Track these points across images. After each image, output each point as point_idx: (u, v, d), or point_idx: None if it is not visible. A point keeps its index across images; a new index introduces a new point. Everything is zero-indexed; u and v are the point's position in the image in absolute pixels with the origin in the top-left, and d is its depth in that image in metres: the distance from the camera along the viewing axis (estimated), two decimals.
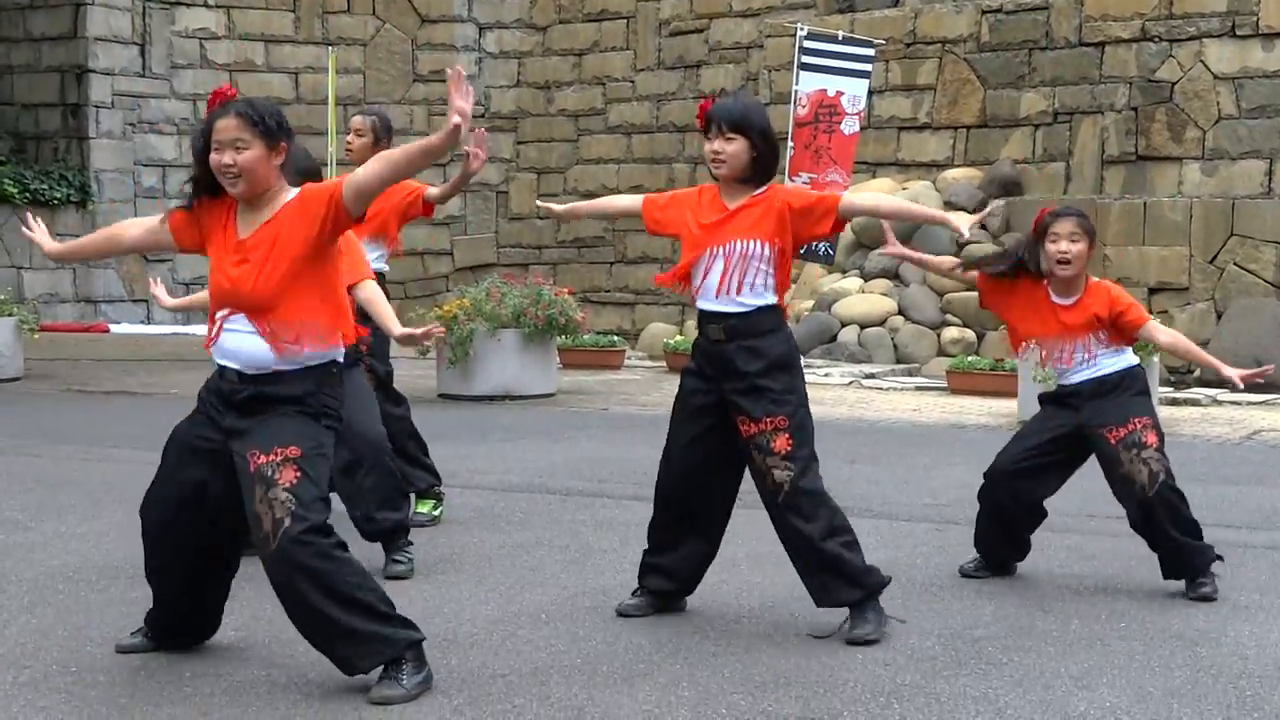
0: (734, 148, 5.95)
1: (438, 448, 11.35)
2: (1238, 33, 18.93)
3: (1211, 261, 18.67)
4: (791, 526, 6.00)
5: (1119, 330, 6.80)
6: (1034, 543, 7.91)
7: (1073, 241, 6.66)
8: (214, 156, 5.12)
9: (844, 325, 19.23)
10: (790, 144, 18.72)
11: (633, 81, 23.93)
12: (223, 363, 5.21)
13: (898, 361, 18.77)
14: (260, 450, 5.04)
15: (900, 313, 19.30)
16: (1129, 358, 6.85)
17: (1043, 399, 7.10)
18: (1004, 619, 6.29)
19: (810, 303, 19.93)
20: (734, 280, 5.95)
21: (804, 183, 18.61)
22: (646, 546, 6.33)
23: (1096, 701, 5.12)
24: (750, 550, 7.53)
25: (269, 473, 5.00)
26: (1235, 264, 18.53)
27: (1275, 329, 17.79)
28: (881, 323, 19.21)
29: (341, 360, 5.31)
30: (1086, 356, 6.77)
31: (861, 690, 5.21)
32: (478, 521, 8.39)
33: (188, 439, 5.33)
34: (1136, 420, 6.71)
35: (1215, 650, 5.82)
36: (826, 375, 17.27)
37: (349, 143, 8.04)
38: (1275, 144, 18.70)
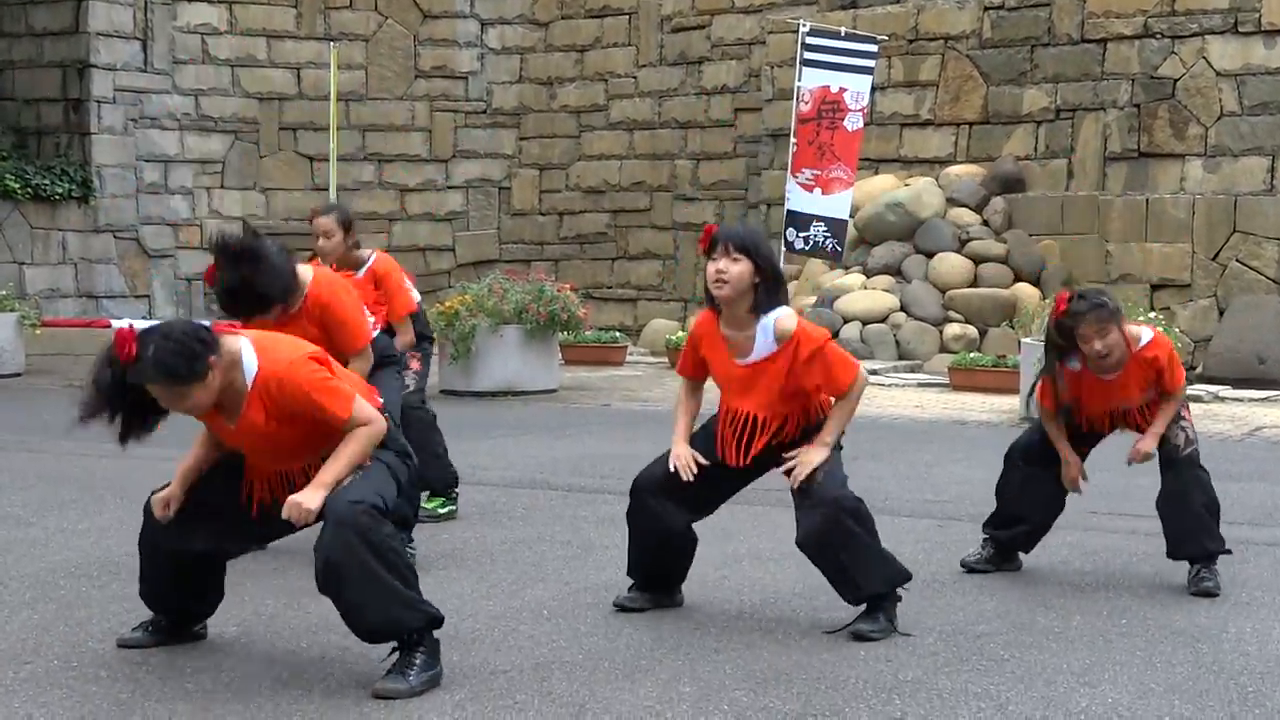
0: (739, 269, 5.87)
1: None
2: (1240, 29, 18.91)
3: (1214, 258, 18.66)
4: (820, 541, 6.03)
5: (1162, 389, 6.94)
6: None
7: (1103, 337, 6.58)
8: (162, 401, 5.01)
9: (846, 322, 19.21)
10: (794, 141, 18.72)
11: (635, 78, 23.91)
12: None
13: (900, 358, 18.76)
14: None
15: (902, 309, 19.29)
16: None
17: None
18: (1006, 615, 6.29)
19: (813, 299, 19.92)
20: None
21: (807, 180, 18.63)
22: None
23: (1098, 698, 5.12)
24: (751, 547, 7.54)
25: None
26: (1237, 261, 18.53)
27: (1277, 326, 17.78)
28: (884, 319, 19.19)
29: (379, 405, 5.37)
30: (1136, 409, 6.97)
31: (863, 686, 5.21)
32: (480, 517, 8.39)
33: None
34: (1154, 409, 6.98)
35: (1217, 647, 5.82)
36: None
37: (319, 246, 7.97)
38: (1278, 141, 18.68)
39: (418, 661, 5.10)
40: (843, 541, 5.88)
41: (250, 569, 6.95)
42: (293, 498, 5.05)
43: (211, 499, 5.38)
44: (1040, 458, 7.03)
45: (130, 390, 4.92)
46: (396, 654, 5.13)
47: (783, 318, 5.95)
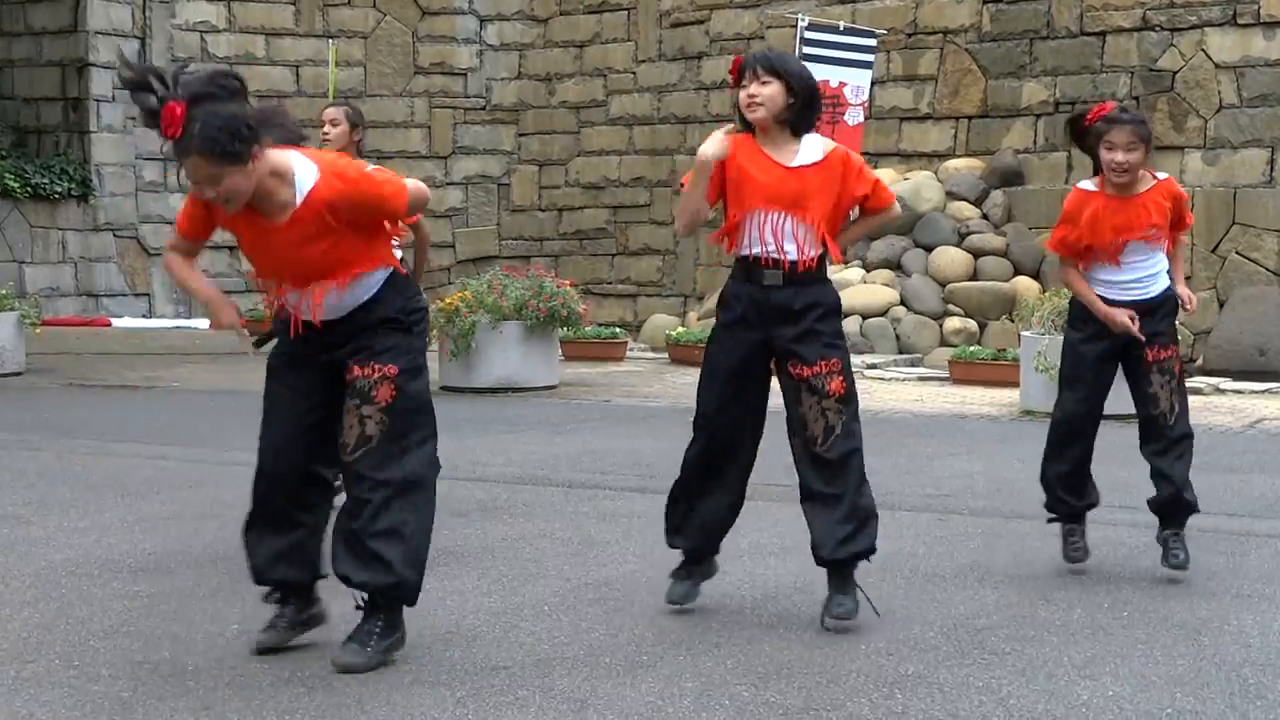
0: (770, 90, 5.81)
1: (441, 439, 11.35)
2: (1239, 21, 18.91)
3: (1214, 250, 18.66)
4: (812, 481, 6.00)
5: (1171, 230, 6.89)
6: (1037, 531, 7.93)
7: (1129, 151, 6.60)
8: (198, 192, 5.04)
9: (846, 315, 19.21)
10: None
11: (634, 73, 23.91)
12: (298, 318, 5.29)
13: (900, 351, 18.77)
14: (358, 364, 5.23)
15: (902, 303, 19.29)
16: (1165, 278, 6.93)
17: (1074, 321, 7.00)
18: (1006, 609, 6.29)
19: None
20: (788, 236, 5.87)
21: None
22: (673, 497, 6.21)
23: (1099, 690, 5.12)
24: (753, 541, 7.54)
25: (364, 388, 5.21)
26: (1237, 253, 18.53)
27: (1277, 317, 17.78)
28: (884, 313, 19.20)
29: (399, 264, 5.43)
30: (1138, 259, 6.81)
31: (864, 681, 5.21)
32: (480, 513, 8.39)
33: (295, 370, 5.39)
34: (1174, 348, 6.97)
35: (1218, 639, 5.82)
36: None
37: (325, 134, 8.10)
38: (1277, 133, 18.68)
39: (378, 629, 5.25)
40: None
41: None
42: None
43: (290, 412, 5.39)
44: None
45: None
46: (362, 613, 5.31)
47: (826, 140, 5.97)
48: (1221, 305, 18.46)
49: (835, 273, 19.93)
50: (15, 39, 22.92)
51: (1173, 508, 6.96)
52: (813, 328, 5.88)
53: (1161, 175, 6.87)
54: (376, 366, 5.21)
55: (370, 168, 5.34)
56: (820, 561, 6.01)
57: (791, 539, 7.66)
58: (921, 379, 16.68)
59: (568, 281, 16.37)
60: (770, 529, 7.90)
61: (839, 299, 6.06)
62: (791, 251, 5.85)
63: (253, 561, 5.51)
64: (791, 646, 5.65)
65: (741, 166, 5.88)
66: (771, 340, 5.91)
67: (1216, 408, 14.22)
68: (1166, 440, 6.95)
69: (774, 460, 10.50)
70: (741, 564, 7.06)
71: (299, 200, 5.12)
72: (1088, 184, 6.85)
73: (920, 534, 7.89)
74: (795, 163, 5.87)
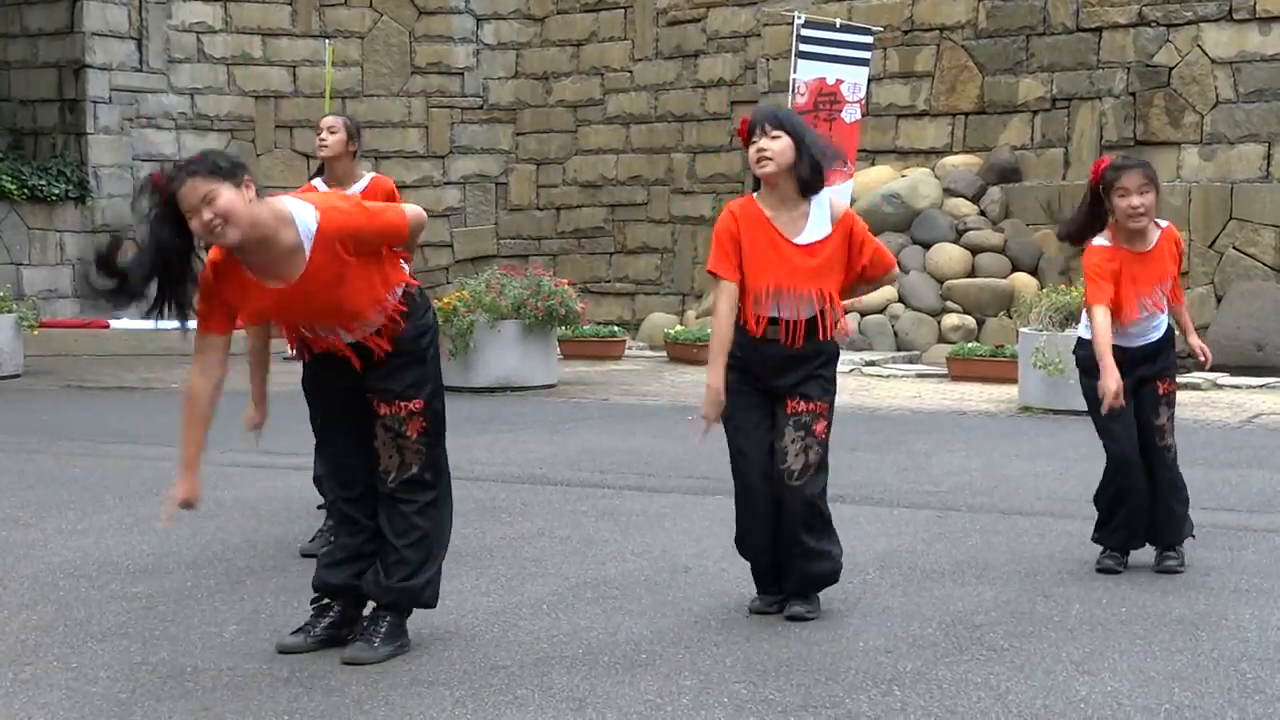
0: (780, 144, 5.83)
1: None
2: (1235, 16, 18.91)
3: (1211, 246, 18.67)
4: (784, 509, 5.98)
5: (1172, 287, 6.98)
6: (1035, 528, 7.94)
7: (1142, 194, 6.67)
8: (193, 223, 4.98)
9: (845, 313, 19.20)
10: None
11: (631, 72, 23.90)
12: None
13: (898, 349, 18.77)
14: (384, 403, 5.41)
15: (900, 300, 19.30)
16: (1166, 319, 7.00)
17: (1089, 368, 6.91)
18: (1005, 605, 6.29)
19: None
20: (797, 307, 5.94)
21: None
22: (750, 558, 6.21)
23: (1098, 686, 5.12)
24: None
25: (396, 425, 5.41)
26: (1235, 248, 18.53)
27: (1275, 312, 17.78)
28: (882, 310, 19.20)
29: (410, 283, 5.52)
30: (1155, 310, 6.86)
31: (863, 678, 5.21)
32: (479, 513, 8.39)
33: (334, 390, 5.52)
34: (1174, 381, 7.06)
35: (1216, 634, 5.82)
36: None
37: (322, 140, 8.04)
38: (1273, 128, 18.68)
39: (383, 629, 5.39)
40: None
41: (250, 567, 6.95)
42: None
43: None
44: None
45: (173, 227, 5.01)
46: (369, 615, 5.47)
47: (835, 197, 6.02)
48: (1219, 301, 18.46)
49: None
50: (11, 41, 22.91)
51: (1176, 536, 7.04)
52: (816, 373, 5.98)
53: (1163, 223, 6.94)
54: (402, 405, 5.40)
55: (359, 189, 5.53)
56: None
57: None
58: (920, 376, 16.69)
59: (566, 280, 16.37)
60: None
61: (838, 348, 6.13)
62: (797, 315, 5.92)
63: (319, 565, 5.66)
64: (790, 644, 5.65)
65: (749, 248, 5.90)
66: (771, 388, 5.98)
67: (1214, 403, 14.22)
68: (1169, 475, 7.01)
69: None
70: (739, 561, 7.05)
71: (306, 241, 5.12)
72: (1102, 240, 6.84)
73: (919, 531, 7.90)
74: (804, 239, 5.91)
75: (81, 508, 8.59)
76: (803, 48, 18.78)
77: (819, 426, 5.94)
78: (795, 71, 18.79)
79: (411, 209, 5.46)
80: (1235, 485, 9.41)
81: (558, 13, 24.64)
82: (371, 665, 5.30)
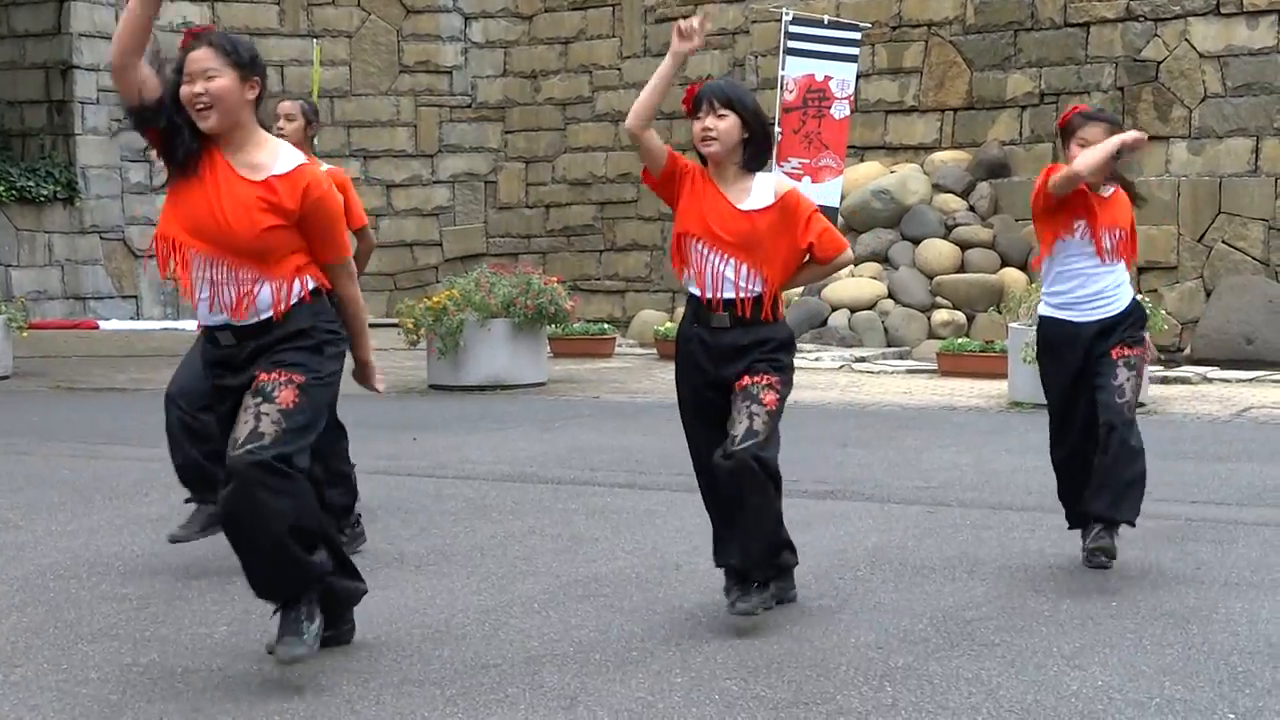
0: (726, 124, 5.77)
1: (430, 438, 11.36)
2: (1222, 10, 18.93)
3: (1200, 240, 18.69)
4: (726, 490, 5.80)
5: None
6: (1025, 523, 7.94)
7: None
8: (184, 89, 4.97)
9: (834, 309, 19.23)
10: (779, 129, 18.71)
11: (619, 69, 23.90)
12: (213, 322, 5.10)
13: (888, 345, 18.78)
14: (264, 371, 5.04)
15: (890, 296, 19.31)
16: (1129, 290, 6.92)
17: (1046, 340, 6.91)
18: (996, 600, 6.29)
19: (800, 287, 19.92)
20: (726, 281, 5.80)
21: (794, 168, 18.62)
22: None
23: (1089, 680, 5.12)
24: None
25: (269, 389, 5.01)
26: (1223, 242, 18.55)
27: (1264, 306, 17.81)
28: (871, 306, 19.22)
29: (325, 287, 5.22)
30: (1107, 269, 6.76)
31: (854, 673, 5.21)
32: (469, 511, 8.39)
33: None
34: (1142, 348, 6.85)
35: (1207, 628, 5.82)
36: (817, 359, 17.27)
37: (280, 128, 7.93)
38: (1262, 122, 18.71)
39: (304, 613, 5.09)
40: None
41: (240, 568, 6.93)
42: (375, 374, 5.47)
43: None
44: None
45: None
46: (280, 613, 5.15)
47: (780, 177, 5.94)
48: (1208, 295, 18.49)
49: None
50: None
51: (1116, 508, 6.77)
52: (766, 355, 5.79)
53: (1115, 187, 6.89)
54: (284, 373, 5.04)
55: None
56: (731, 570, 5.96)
57: None
58: (910, 372, 16.69)
59: (555, 278, 16.35)
60: None
61: (792, 334, 5.98)
62: (730, 294, 5.77)
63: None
64: (781, 640, 5.65)
65: (694, 191, 5.82)
66: (722, 378, 5.81)
67: (1204, 396, 14.24)
68: (1121, 436, 6.67)
69: None
70: None
71: (278, 169, 5.05)
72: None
73: (909, 526, 7.90)
74: (746, 205, 5.80)
75: (71, 509, 8.57)
76: (791, 44, 18.79)
77: (767, 397, 5.73)
78: (784, 68, 18.80)
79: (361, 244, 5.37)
80: (1225, 479, 9.41)
81: (546, 11, 24.64)
82: (359, 666, 5.28)
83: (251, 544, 5.03)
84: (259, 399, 4.99)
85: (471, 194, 25.11)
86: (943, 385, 15.34)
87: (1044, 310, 6.97)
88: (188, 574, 6.81)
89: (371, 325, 13.25)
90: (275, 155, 5.10)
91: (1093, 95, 19.60)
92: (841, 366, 16.91)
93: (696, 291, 5.85)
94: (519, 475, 9.73)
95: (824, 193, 18.66)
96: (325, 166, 8.00)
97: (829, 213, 18.64)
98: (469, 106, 24.98)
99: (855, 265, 19.82)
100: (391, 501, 8.67)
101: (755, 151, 5.83)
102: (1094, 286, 6.79)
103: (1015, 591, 6.45)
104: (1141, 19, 19.40)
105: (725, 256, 5.77)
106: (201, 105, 4.95)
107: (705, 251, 5.80)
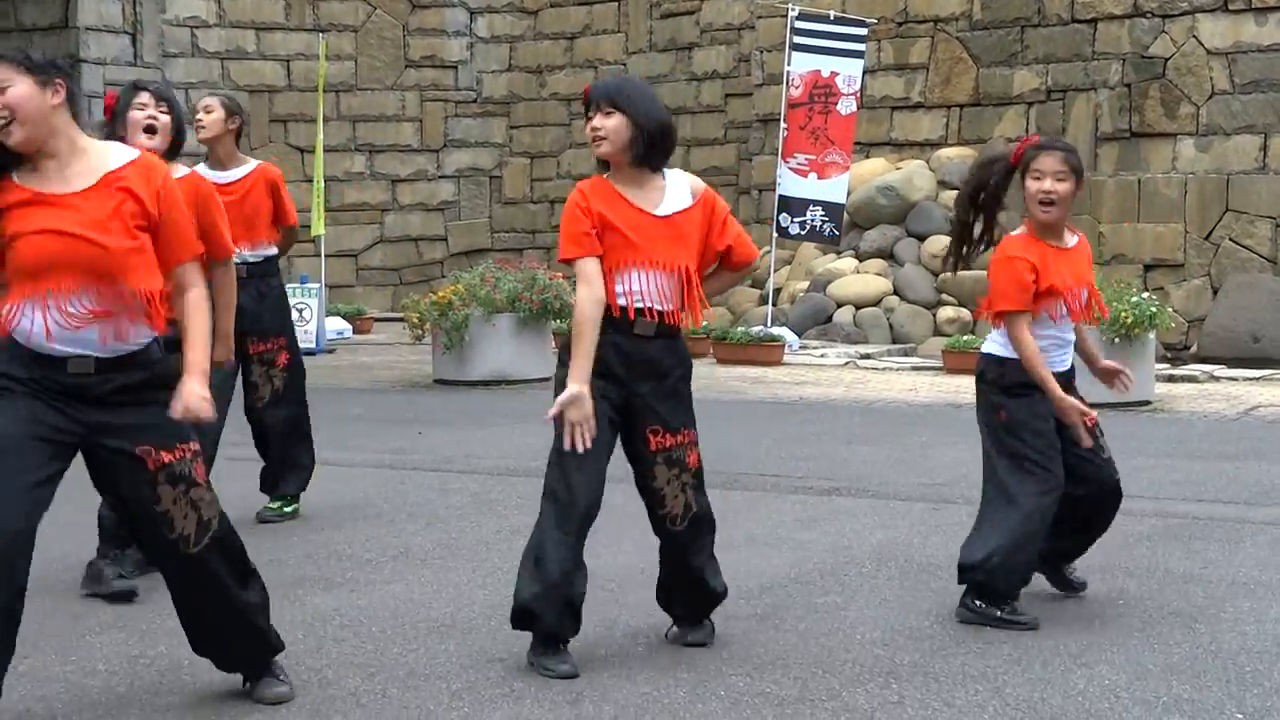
0: (613, 122, 5.21)
1: (435, 432, 11.36)
2: (1230, 7, 18.89)
3: (1207, 238, 18.66)
4: (687, 560, 5.50)
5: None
6: None
7: (1058, 180, 5.87)
8: None
9: (839, 306, 19.21)
10: (784, 125, 18.70)
11: (625, 64, 23.88)
12: (68, 350, 4.49)
13: (893, 341, 18.76)
14: (156, 446, 4.59)
15: (895, 293, 19.29)
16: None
17: (1012, 388, 5.96)
18: None
19: (805, 284, 19.91)
20: (664, 292, 5.31)
21: (800, 164, 18.62)
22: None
23: (1095, 679, 5.12)
24: (747, 532, 7.53)
25: (184, 470, 4.63)
26: (1231, 239, 18.53)
27: (1271, 304, 17.79)
28: (877, 303, 19.20)
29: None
30: (1070, 321, 6.08)
31: (860, 670, 5.21)
32: (474, 506, 8.39)
33: (34, 432, 4.49)
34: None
35: (1214, 627, 5.81)
36: (822, 356, 17.26)
37: (199, 121, 7.59)
38: (1270, 119, 18.67)
39: (278, 667, 5.00)
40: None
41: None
42: (190, 398, 4.55)
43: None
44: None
45: None
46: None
47: (692, 176, 5.50)
48: (1215, 293, 18.47)
49: (829, 263, 19.96)
50: (5, 35, 22.86)
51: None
52: (676, 388, 5.38)
53: (1078, 235, 6.19)
54: (185, 448, 4.64)
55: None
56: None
57: (784, 530, 7.66)
58: (915, 369, 16.68)
59: (560, 274, 16.35)
60: (763, 520, 7.89)
61: (690, 359, 5.54)
62: (662, 304, 5.30)
63: None
64: (786, 637, 5.65)
65: (607, 220, 5.24)
66: (630, 397, 5.34)
67: (1211, 395, 14.22)
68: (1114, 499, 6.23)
69: (763, 451, 10.52)
70: (736, 554, 7.05)
71: (102, 168, 4.55)
72: (1019, 232, 6.07)
73: (915, 523, 7.89)
74: (663, 209, 5.31)
75: (78, 501, 8.52)
76: (797, 40, 18.78)
77: (691, 458, 5.39)
78: (789, 64, 18.79)
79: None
80: (1232, 478, 9.40)
81: (551, 6, 24.63)
82: (365, 659, 5.28)
83: None
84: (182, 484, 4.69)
85: (477, 189, 25.11)
86: (948, 382, 15.32)
87: (995, 348, 6.09)
88: None
89: (377, 320, 13.56)
90: (95, 164, 4.57)
91: (1100, 92, 19.57)
92: (846, 363, 16.89)
93: (618, 301, 5.29)
94: (524, 470, 9.71)
95: (830, 189, 18.66)
96: (255, 164, 7.90)
97: (835, 209, 18.66)
98: (474, 101, 24.98)
99: (860, 261, 19.81)
100: (397, 496, 8.67)
101: (648, 149, 5.31)
102: (1064, 338, 6.08)
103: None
104: (1149, 15, 19.37)
105: (657, 271, 5.28)
106: (2, 120, 4.44)
107: (639, 273, 5.27)
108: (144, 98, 6.45)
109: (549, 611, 5.16)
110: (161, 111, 6.43)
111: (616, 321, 5.26)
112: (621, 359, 5.29)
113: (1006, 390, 5.94)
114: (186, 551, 4.66)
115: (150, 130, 6.38)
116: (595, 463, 5.27)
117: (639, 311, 5.27)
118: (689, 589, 5.56)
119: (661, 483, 5.40)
